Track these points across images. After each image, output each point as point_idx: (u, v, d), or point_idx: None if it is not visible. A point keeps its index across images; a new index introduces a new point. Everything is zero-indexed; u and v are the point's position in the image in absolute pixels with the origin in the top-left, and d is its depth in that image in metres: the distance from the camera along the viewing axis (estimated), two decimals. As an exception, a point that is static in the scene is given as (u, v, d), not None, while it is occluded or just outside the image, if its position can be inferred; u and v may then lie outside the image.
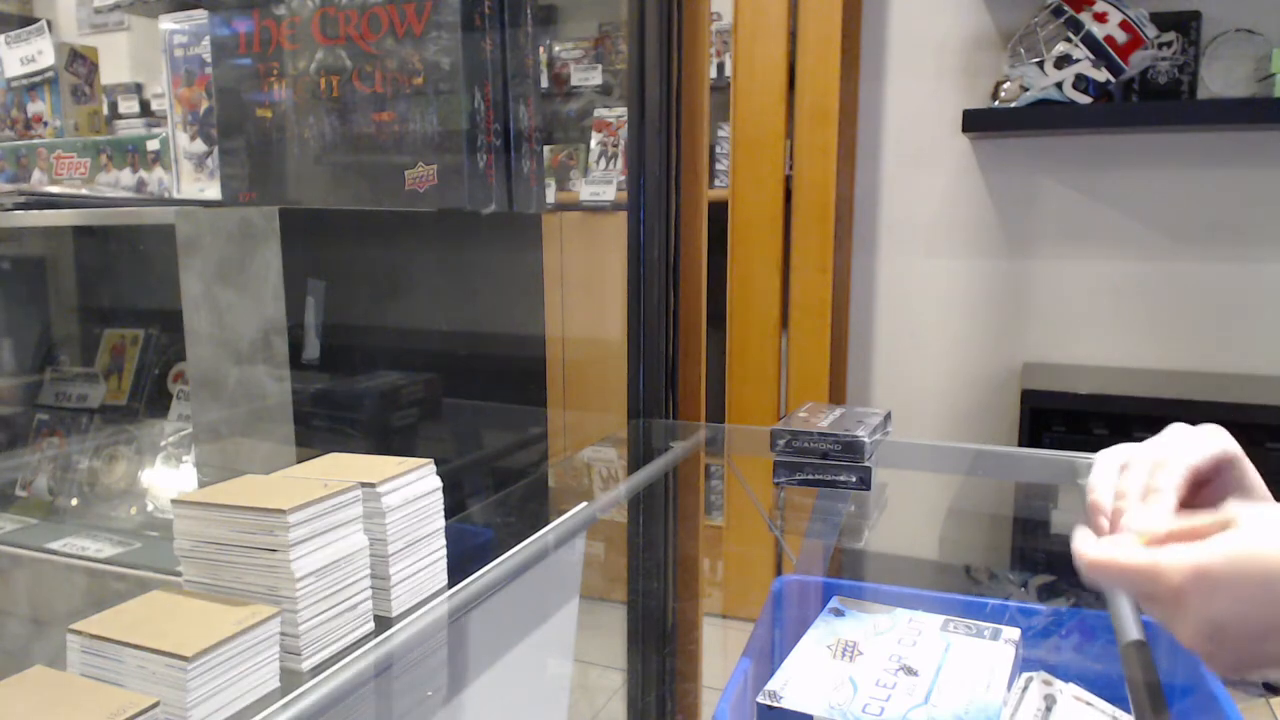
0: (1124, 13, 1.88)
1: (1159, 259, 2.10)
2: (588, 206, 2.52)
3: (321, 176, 1.19)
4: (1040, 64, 1.94)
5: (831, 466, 1.06)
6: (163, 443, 1.43)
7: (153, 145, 1.45)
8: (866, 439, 1.05)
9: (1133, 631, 0.67)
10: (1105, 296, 2.15)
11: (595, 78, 2.79)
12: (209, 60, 1.27)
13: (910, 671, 0.60)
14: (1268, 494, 0.55)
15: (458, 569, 0.76)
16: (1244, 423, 1.83)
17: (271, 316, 1.04)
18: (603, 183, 2.54)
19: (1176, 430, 0.57)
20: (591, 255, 2.44)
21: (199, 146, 1.37)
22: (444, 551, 0.75)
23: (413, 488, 0.71)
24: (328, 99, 1.17)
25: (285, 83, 1.19)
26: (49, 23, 1.66)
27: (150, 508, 1.39)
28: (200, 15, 1.31)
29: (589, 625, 0.90)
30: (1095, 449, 1.18)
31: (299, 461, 0.73)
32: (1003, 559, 1.13)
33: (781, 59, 2.23)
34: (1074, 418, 1.97)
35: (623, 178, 2.54)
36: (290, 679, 0.59)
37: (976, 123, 2.04)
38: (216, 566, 0.62)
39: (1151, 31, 1.89)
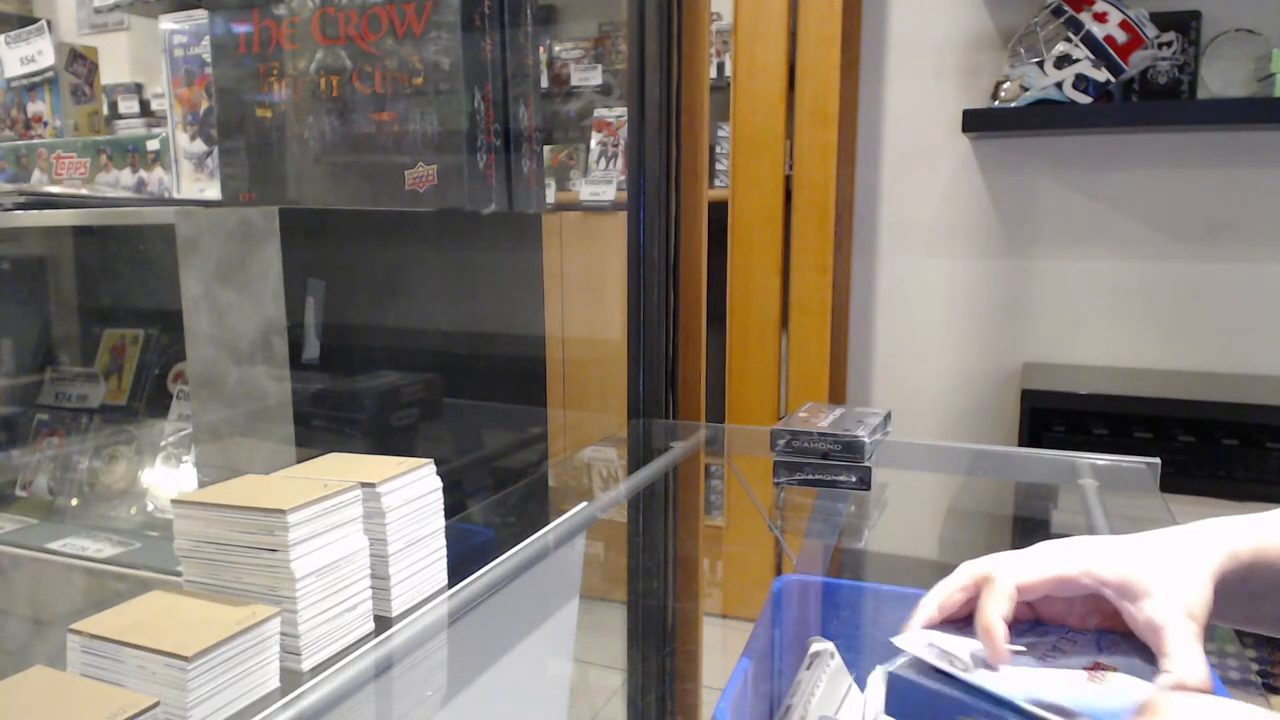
0: (1124, 12, 1.88)
1: (1159, 259, 2.10)
2: (588, 206, 2.52)
3: (321, 176, 1.19)
4: (1040, 64, 1.94)
5: (831, 466, 1.06)
6: (163, 443, 1.43)
7: (153, 145, 1.45)
8: (866, 439, 1.05)
9: None
10: (1105, 296, 2.15)
11: (595, 78, 2.79)
12: (209, 60, 1.27)
13: None
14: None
15: (458, 569, 0.76)
16: (1244, 423, 1.84)
17: (271, 316, 1.04)
18: (603, 183, 2.54)
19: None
20: (591, 255, 2.44)
21: (199, 146, 1.37)
22: (444, 551, 0.75)
23: (413, 488, 0.71)
24: (328, 99, 1.17)
25: (285, 83, 1.19)
26: (49, 23, 1.66)
27: (150, 508, 1.39)
28: (200, 15, 1.31)
29: (589, 625, 0.90)
30: (1095, 449, 1.18)
31: (299, 461, 0.73)
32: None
33: (781, 59, 2.23)
34: (1074, 418, 1.97)
35: (623, 178, 2.54)
36: (290, 679, 0.59)
37: (976, 123, 2.04)
38: (216, 566, 0.62)
39: (1151, 31, 1.89)
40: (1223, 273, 2.06)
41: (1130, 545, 0.53)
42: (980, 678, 0.50)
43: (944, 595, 0.56)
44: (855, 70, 2.29)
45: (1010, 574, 0.52)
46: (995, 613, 0.51)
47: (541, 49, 2.81)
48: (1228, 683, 0.60)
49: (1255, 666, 1.77)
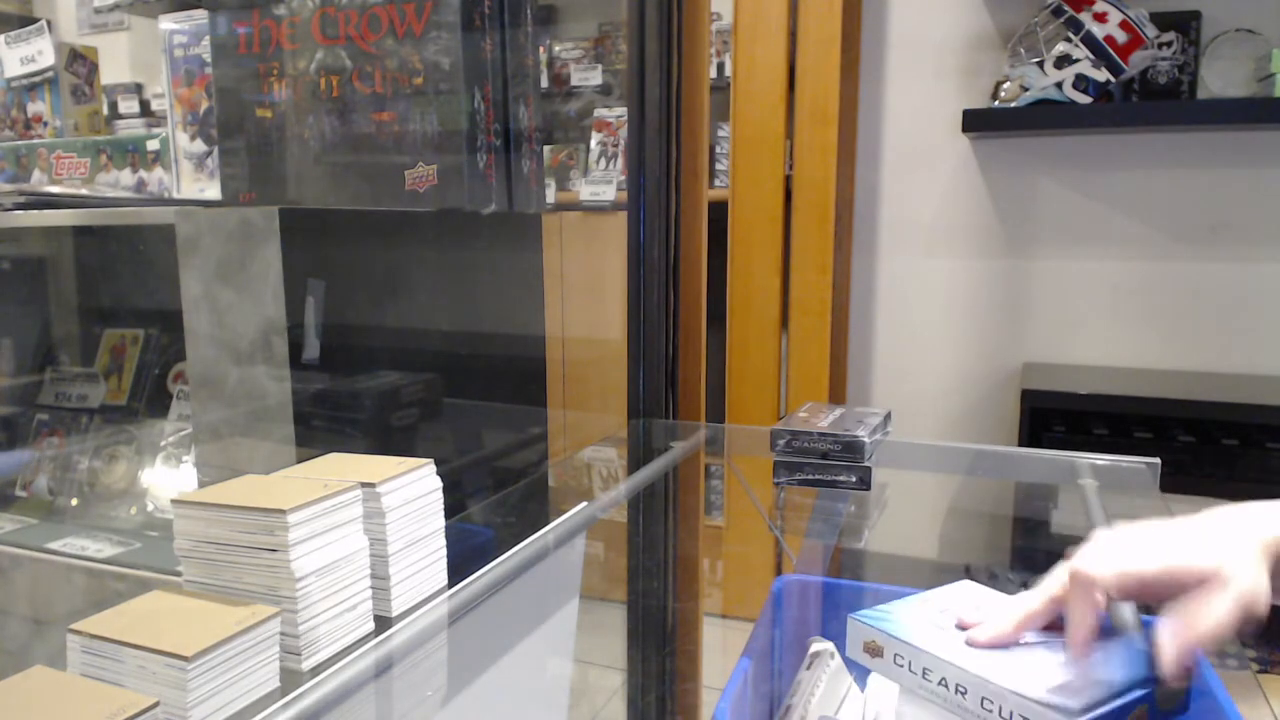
0: (1124, 12, 1.88)
1: (1159, 259, 2.10)
2: (588, 206, 2.52)
3: (321, 176, 1.19)
4: (1040, 64, 1.94)
5: (831, 466, 1.06)
6: (163, 443, 1.43)
7: (153, 145, 1.45)
8: (866, 439, 1.05)
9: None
10: (1105, 296, 2.15)
11: (595, 78, 2.79)
12: (209, 60, 1.27)
13: None
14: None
15: (458, 569, 0.76)
16: (1244, 423, 1.84)
17: (271, 316, 1.04)
18: (603, 183, 2.54)
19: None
20: (591, 255, 2.44)
21: (199, 146, 1.37)
22: (444, 551, 0.75)
23: (413, 488, 0.71)
24: (328, 99, 1.17)
25: (285, 83, 1.19)
26: (49, 23, 1.66)
27: (150, 508, 1.39)
28: (200, 15, 1.31)
29: (589, 625, 0.90)
30: (1095, 449, 1.18)
31: (299, 461, 0.73)
32: (1003, 559, 1.13)
33: (781, 59, 2.23)
34: (1074, 418, 1.97)
35: (623, 178, 2.54)
36: (290, 679, 0.59)
37: (976, 123, 2.04)
38: (216, 566, 0.62)
39: (1151, 31, 1.89)
40: (1223, 273, 2.06)
41: (1197, 533, 0.54)
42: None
43: (1028, 609, 0.56)
44: (855, 70, 2.29)
45: (1105, 572, 0.53)
46: (1087, 619, 0.53)
47: (541, 49, 2.81)
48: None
49: (1255, 666, 1.77)
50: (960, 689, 0.51)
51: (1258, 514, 0.55)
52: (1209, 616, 0.48)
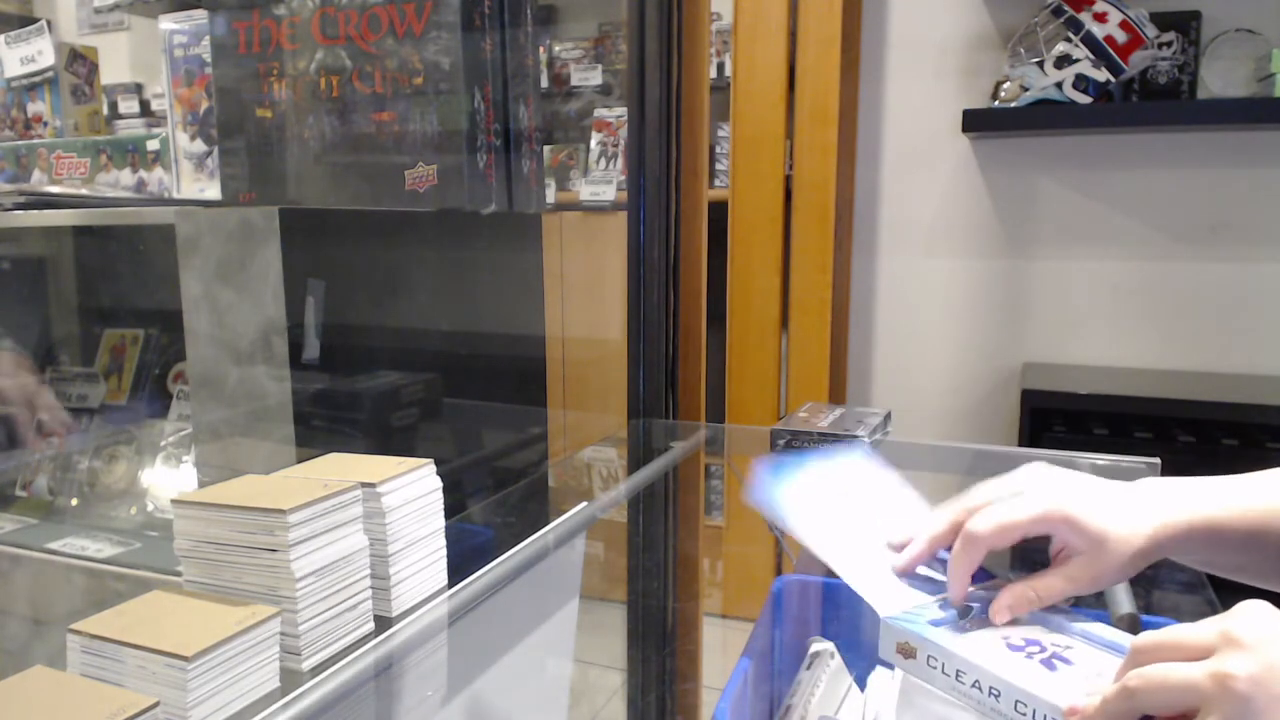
0: (1124, 12, 1.88)
1: (1159, 259, 2.10)
2: (588, 206, 2.52)
3: (321, 176, 1.19)
4: (1040, 64, 1.94)
5: (831, 466, 1.05)
6: (163, 443, 1.43)
7: (153, 145, 1.45)
8: (866, 439, 1.05)
9: (1125, 605, 0.68)
10: (1105, 296, 2.15)
11: (595, 78, 2.79)
12: (209, 60, 1.27)
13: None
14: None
15: (458, 569, 0.76)
16: (1244, 423, 1.84)
17: (271, 316, 1.04)
18: (603, 183, 2.54)
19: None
20: (591, 255, 2.44)
21: (199, 146, 1.37)
22: (444, 551, 0.75)
23: (413, 488, 0.71)
24: (328, 99, 1.17)
25: (285, 83, 1.19)
26: (49, 23, 1.66)
27: (150, 508, 1.39)
28: (200, 15, 1.31)
29: (589, 625, 0.90)
30: (1095, 449, 1.18)
31: (299, 461, 0.72)
32: (1003, 559, 1.13)
33: (781, 59, 2.23)
34: (1074, 418, 1.97)
35: (623, 178, 2.54)
36: (290, 679, 0.59)
37: (976, 123, 2.04)
38: (216, 566, 0.62)
39: (1151, 31, 1.89)
40: (1223, 273, 2.06)
41: (1099, 497, 0.58)
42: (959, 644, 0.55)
43: (933, 533, 0.62)
44: (855, 70, 2.29)
45: (986, 530, 0.58)
46: (964, 570, 0.59)
47: (541, 49, 2.81)
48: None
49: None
50: (994, 692, 0.52)
51: (1178, 492, 0.57)
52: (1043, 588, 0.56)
